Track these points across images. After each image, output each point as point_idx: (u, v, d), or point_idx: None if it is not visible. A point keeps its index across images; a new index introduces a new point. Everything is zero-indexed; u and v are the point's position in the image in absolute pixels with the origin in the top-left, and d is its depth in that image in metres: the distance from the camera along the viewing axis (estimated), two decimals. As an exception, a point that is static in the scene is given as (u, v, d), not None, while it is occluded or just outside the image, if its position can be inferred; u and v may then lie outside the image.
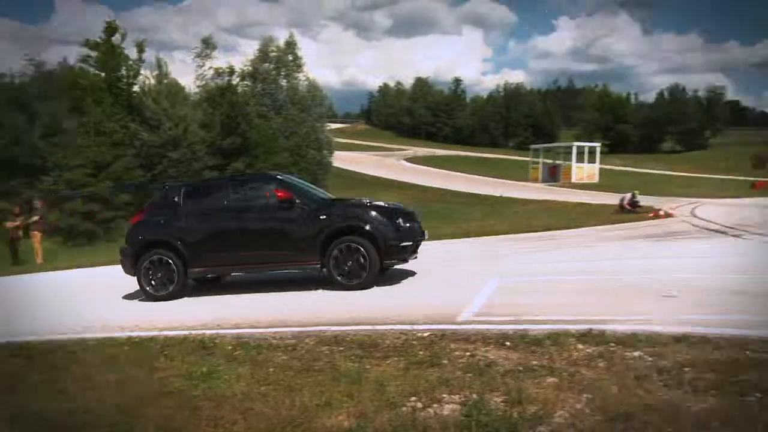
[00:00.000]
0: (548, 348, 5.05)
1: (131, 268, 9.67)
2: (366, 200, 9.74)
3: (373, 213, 9.09)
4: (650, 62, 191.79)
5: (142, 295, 9.57)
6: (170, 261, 9.41)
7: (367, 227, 8.91)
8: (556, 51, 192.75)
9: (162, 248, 9.50)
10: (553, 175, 44.01)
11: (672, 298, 6.92)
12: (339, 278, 8.87)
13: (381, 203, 9.58)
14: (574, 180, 41.70)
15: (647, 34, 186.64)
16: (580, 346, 5.03)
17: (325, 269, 9.00)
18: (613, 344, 5.02)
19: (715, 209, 22.44)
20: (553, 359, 4.79)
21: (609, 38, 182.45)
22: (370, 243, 8.81)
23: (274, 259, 9.30)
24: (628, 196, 21.28)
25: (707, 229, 15.68)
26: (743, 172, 45.70)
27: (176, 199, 9.79)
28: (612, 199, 23.25)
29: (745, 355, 4.63)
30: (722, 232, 14.77)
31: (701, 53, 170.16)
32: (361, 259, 8.78)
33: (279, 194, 9.26)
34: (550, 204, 25.95)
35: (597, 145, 48.23)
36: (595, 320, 5.77)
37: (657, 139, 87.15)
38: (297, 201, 9.25)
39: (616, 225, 17.54)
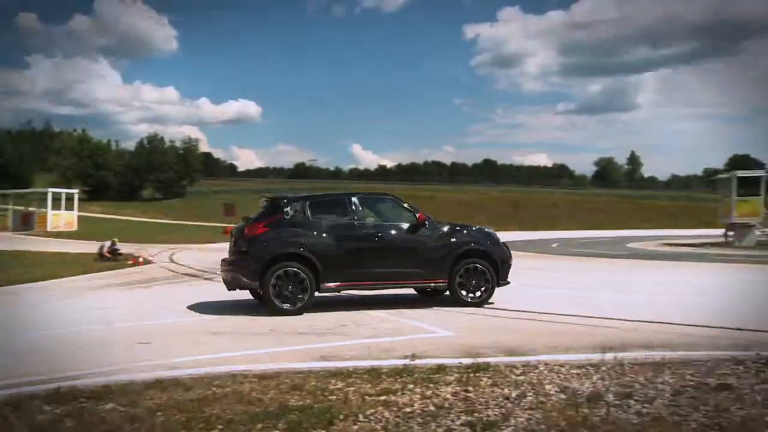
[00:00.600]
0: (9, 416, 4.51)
1: (253, 281, 9.41)
2: (473, 227, 10.74)
3: (490, 239, 10.46)
4: (131, 111, 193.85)
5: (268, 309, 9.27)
6: (303, 274, 9.27)
7: (489, 251, 10.17)
8: (30, 90, 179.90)
9: (295, 261, 9.32)
10: (26, 223, 42.09)
11: (147, 344, 7.05)
12: (465, 296, 9.82)
13: (487, 229, 10.85)
14: (49, 228, 40.30)
15: (127, 83, 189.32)
16: (47, 408, 4.58)
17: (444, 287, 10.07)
18: (84, 400, 4.76)
19: (191, 254, 23.87)
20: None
21: (88, 83, 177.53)
22: (490, 264, 9.97)
23: (407, 277, 9.94)
24: (108, 243, 20.92)
25: (185, 274, 16.51)
26: (217, 219, 49.68)
27: (306, 212, 9.77)
28: (92, 247, 22.49)
29: (212, 391, 4.94)
30: (197, 276, 15.77)
31: (179, 107, 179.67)
32: (483, 280, 9.88)
33: (418, 216, 9.94)
34: (25, 255, 23.56)
35: (75, 191, 47.42)
36: (66, 377, 5.43)
37: (137, 186, 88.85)
38: (430, 224, 10.05)
39: (100, 273, 16.97)
